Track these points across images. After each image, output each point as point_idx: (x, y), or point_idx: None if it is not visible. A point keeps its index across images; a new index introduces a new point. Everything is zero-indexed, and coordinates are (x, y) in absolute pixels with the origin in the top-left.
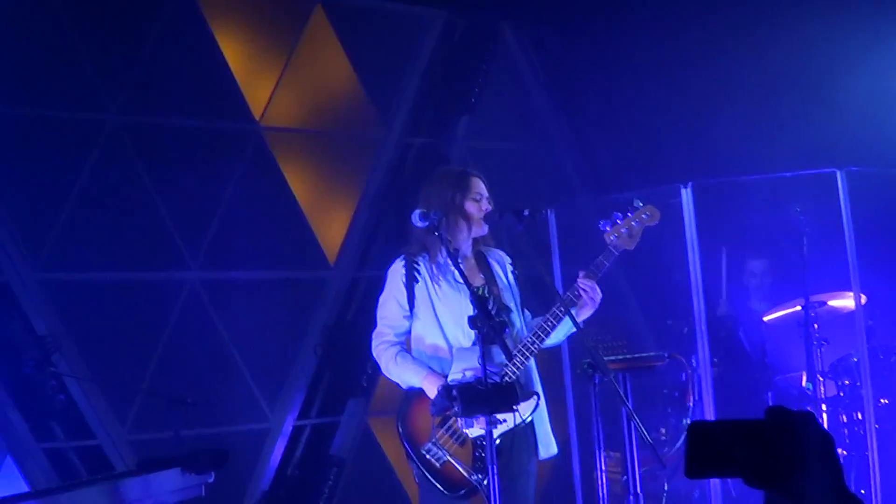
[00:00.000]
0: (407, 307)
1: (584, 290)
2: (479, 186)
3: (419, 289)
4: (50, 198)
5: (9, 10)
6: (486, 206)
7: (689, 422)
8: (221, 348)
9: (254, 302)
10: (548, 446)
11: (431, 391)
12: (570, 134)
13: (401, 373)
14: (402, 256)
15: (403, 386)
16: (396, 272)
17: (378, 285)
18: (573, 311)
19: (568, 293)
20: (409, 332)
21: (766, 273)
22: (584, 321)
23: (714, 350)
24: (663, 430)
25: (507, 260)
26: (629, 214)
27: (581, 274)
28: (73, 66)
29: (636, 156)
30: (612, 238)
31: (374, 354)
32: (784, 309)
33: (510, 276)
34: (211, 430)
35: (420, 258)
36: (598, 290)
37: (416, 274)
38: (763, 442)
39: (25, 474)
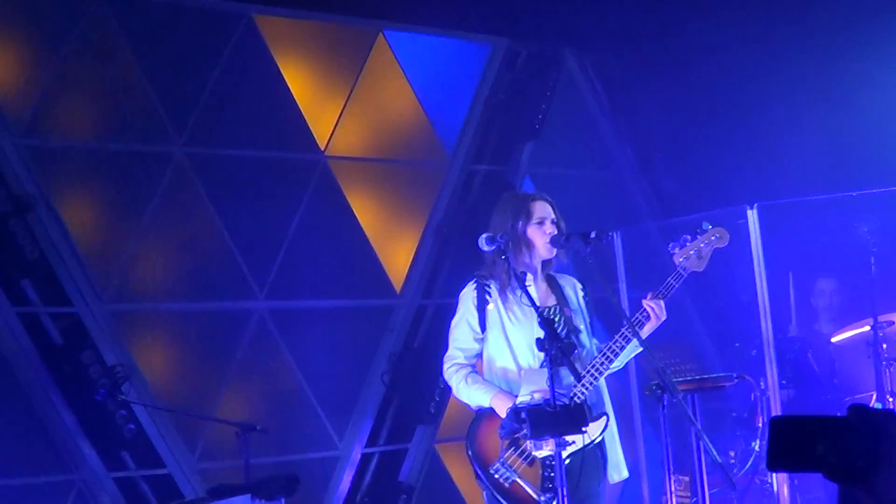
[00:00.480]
0: (479, 329)
1: (651, 307)
2: (544, 210)
3: (490, 311)
4: (118, 229)
5: (78, 47)
6: (550, 229)
7: (758, 443)
8: (289, 377)
9: (321, 331)
10: (619, 470)
11: (501, 409)
12: (634, 158)
13: (471, 393)
14: (475, 279)
15: (473, 407)
16: (468, 295)
17: (444, 313)
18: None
19: (636, 314)
20: (480, 355)
21: (836, 293)
22: (653, 345)
23: (782, 372)
24: (732, 453)
25: (578, 285)
26: (698, 236)
27: (649, 295)
28: (141, 100)
29: (701, 178)
30: (681, 260)
31: (445, 377)
32: (852, 329)
33: (581, 300)
34: (280, 458)
35: (491, 281)
36: (664, 309)
37: (488, 296)
38: (845, 438)
39: None
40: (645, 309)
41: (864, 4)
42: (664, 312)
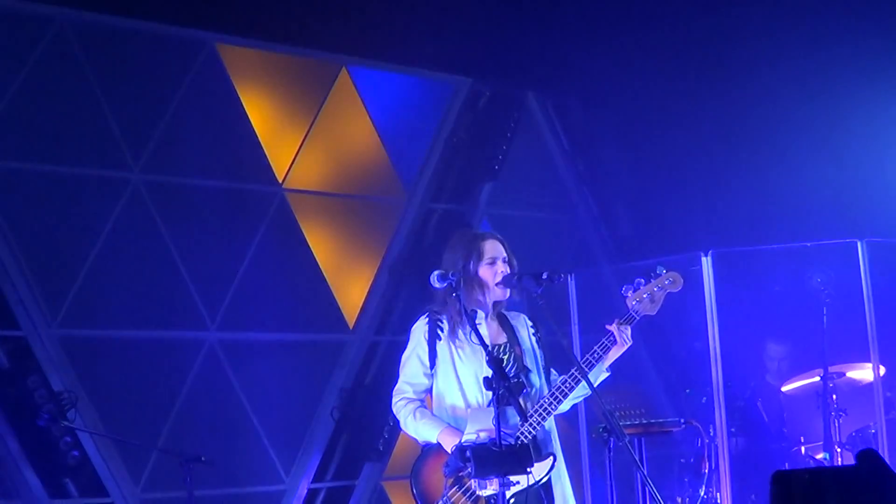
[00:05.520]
0: (428, 364)
1: (618, 331)
2: (494, 249)
3: (441, 346)
4: (71, 255)
5: (37, 70)
6: (501, 268)
7: (703, 490)
8: (238, 409)
9: (272, 363)
10: None
11: (448, 445)
12: (592, 201)
13: (418, 428)
14: (427, 313)
15: (421, 441)
16: (420, 329)
17: (396, 350)
18: (602, 360)
19: (603, 340)
20: (429, 390)
21: (785, 359)
22: (602, 388)
23: (731, 419)
24: (679, 499)
25: (529, 323)
26: (652, 280)
27: (615, 322)
28: (98, 123)
29: (658, 223)
30: (633, 303)
31: (394, 410)
32: (802, 379)
33: (532, 338)
34: (225, 490)
35: (443, 316)
36: (630, 335)
37: (439, 331)
38: (858, 488)
39: None
40: (611, 333)
41: (821, 63)
42: (630, 339)
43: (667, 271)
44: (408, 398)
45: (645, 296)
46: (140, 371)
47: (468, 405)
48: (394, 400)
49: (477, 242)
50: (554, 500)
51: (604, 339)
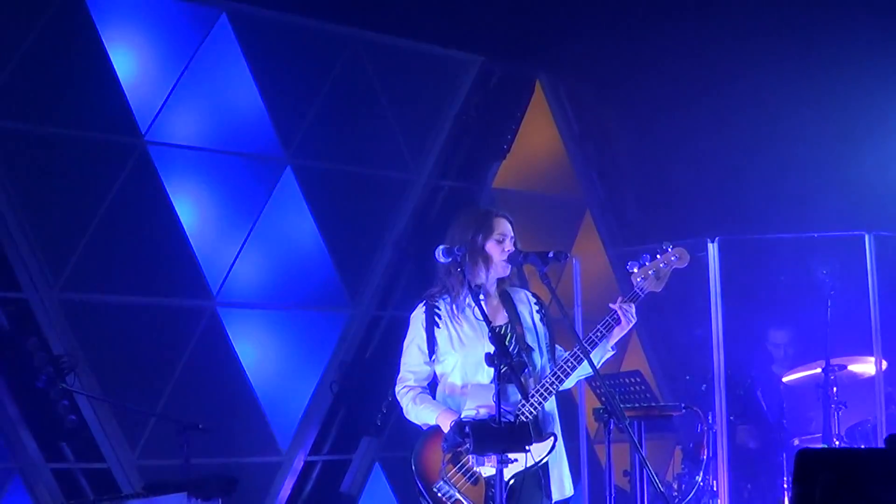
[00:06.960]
0: (427, 352)
1: (622, 309)
2: (503, 227)
3: (439, 333)
4: (76, 218)
5: (45, 34)
6: (508, 247)
7: (701, 476)
8: (238, 379)
9: (273, 335)
10: (561, 488)
11: (445, 426)
12: (599, 185)
13: (418, 412)
14: (424, 301)
15: (423, 427)
16: (417, 317)
17: (398, 325)
18: (606, 339)
19: (590, 334)
20: (430, 377)
21: (789, 345)
22: (602, 370)
23: (731, 408)
24: (675, 485)
25: (533, 300)
26: (658, 256)
27: (619, 299)
28: (106, 88)
29: (664, 209)
30: (639, 280)
31: (398, 398)
32: (804, 370)
33: (535, 316)
34: (221, 459)
35: (441, 300)
36: (635, 312)
37: (437, 317)
38: (886, 471)
39: (32, 494)
40: (615, 312)
41: (833, 54)
42: (634, 316)
43: (673, 247)
44: (409, 386)
45: (651, 272)
46: (141, 337)
47: (465, 385)
48: (397, 388)
49: (489, 218)
50: (550, 481)
51: (607, 317)
